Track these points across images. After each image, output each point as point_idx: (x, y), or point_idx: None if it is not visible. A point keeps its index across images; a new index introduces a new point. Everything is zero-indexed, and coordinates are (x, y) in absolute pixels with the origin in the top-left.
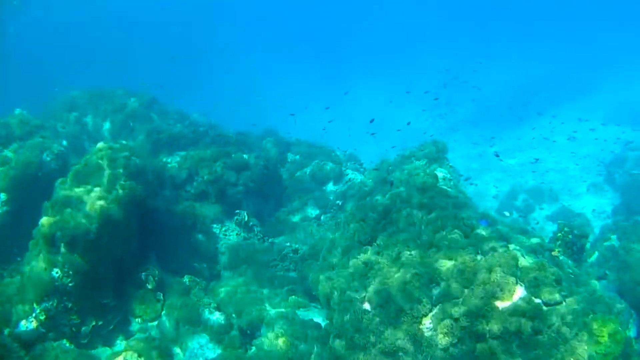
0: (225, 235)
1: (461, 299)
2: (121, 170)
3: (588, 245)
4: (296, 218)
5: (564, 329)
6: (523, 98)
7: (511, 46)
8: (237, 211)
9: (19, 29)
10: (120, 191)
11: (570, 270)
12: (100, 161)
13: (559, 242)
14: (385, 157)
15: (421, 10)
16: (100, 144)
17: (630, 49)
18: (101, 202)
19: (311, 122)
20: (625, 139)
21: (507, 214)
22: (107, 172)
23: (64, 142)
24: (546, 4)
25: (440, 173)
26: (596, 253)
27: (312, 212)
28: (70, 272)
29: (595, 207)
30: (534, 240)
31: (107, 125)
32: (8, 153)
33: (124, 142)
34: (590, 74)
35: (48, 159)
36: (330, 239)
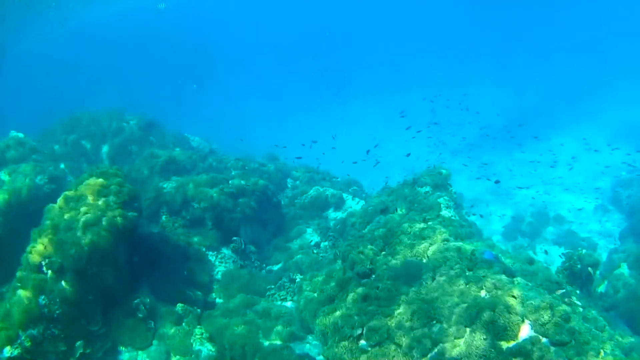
0: (221, 262)
1: (462, 340)
2: (113, 198)
3: (597, 274)
4: (295, 245)
5: None
6: (521, 120)
7: (507, 67)
8: (234, 238)
9: (20, 50)
10: (111, 220)
11: (580, 303)
12: (91, 187)
13: (567, 272)
14: (388, 185)
15: (413, 32)
16: (91, 169)
17: (632, 68)
18: (91, 231)
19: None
20: (631, 160)
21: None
22: (98, 199)
23: (62, 165)
24: (544, 24)
25: (443, 201)
26: (605, 282)
27: (312, 239)
28: (58, 300)
29: (601, 229)
30: (541, 273)
31: (105, 149)
32: (1, 176)
33: (116, 167)
34: (591, 95)
35: (41, 182)
36: (327, 270)
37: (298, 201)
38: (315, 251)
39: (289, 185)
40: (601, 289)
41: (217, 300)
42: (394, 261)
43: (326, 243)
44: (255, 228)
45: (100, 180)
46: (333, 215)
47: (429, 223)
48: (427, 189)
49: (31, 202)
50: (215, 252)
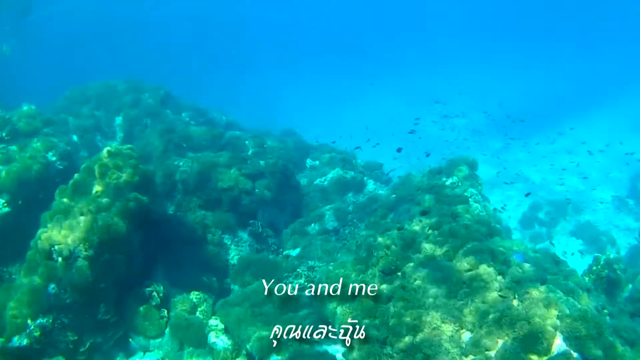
0: (237, 246)
1: (494, 352)
2: (125, 180)
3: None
4: (313, 230)
5: None
6: (539, 109)
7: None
8: (251, 221)
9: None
10: (124, 204)
11: (607, 312)
12: (103, 169)
13: (594, 276)
14: (411, 172)
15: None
16: (104, 150)
17: None
18: (103, 216)
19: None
20: None
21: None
22: (110, 182)
23: (74, 137)
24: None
25: (470, 194)
26: (630, 286)
27: (331, 224)
28: (68, 289)
29: (619, 223)
30: (571, 280)
31: (119, 121)
32: (12, 150)
33: (129, 146)
34: (609, 85)
35: (53, 158)
36: (348, 263)
37: (317, 182)
38: (334, 238)
39: (308, 165)
40: (626, 293)
41: (233, 286)
42: (421, 258)
43: (345, 230)
44: (273, 210)
45: (113, 161)
46: (353, 198)
47: (457, 219)
48: (454, 179)
49: (42, 180)
50: (231, 236)
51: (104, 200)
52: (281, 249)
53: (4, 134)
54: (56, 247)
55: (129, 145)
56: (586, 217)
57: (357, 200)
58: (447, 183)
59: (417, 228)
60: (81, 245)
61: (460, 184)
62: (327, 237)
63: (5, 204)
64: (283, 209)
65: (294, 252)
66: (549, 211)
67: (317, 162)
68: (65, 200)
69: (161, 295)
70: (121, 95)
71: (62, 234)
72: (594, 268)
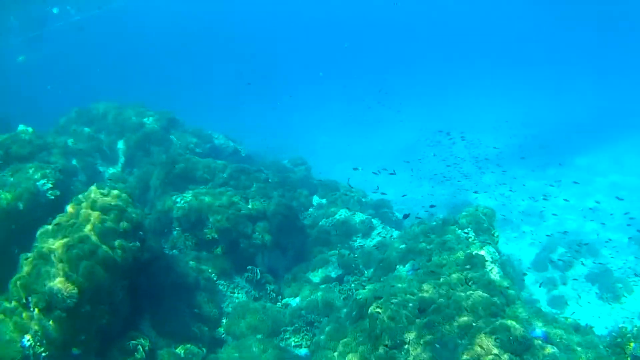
0: (233, 293)
1: None
2: (112, 225)
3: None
4: (316, 278)
5: None
6: (543, 142)
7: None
8: (249, 267)
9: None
10: (109, 252)
11: None
12: (88, 211)
13: (618, 349)
14: (422, 219)
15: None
16: (92, 189)
17: None
18: (84, 265)
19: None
20: None
21: None
22: (95, 226)
23: (74, 161)
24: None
25: (487, 252)
26: None
27: (335, 272)
28: (44, 342)
29: (636, 266)
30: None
31: (121, 145)
32: (4, 176)
33: (120, 187)
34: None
35: (44, 188)
36: (349, 329)
37: (323, 223)
38: (337, 288)
39: (315, 203)
40: None
41: (226, 336)
42: (429, 336)
43: (350, 278)
44: (274, 254)
45: (100, 203)
46: (360, 242)
47: (473, 287)
48: (470, 233)
49: (32, 210)
50: (227, 281)
51: (86, 247)
52: (280, 296)
53: None
54: (31, 295)
55: (120, 185)
56: (602, 260)
57: (364, 244)
58: (462, 238)
59: (426, 295)
60: (59, 296)
61: (474, 238)
62: (329, 287)
63: None
64: (285, 252)
65: (294, 301)
66: (563, 253)
67: (324, 200)
68: (45, 243)
69: (146, 349)
70: (125, 118)
71: (38, 282)
72: (619, 340)
